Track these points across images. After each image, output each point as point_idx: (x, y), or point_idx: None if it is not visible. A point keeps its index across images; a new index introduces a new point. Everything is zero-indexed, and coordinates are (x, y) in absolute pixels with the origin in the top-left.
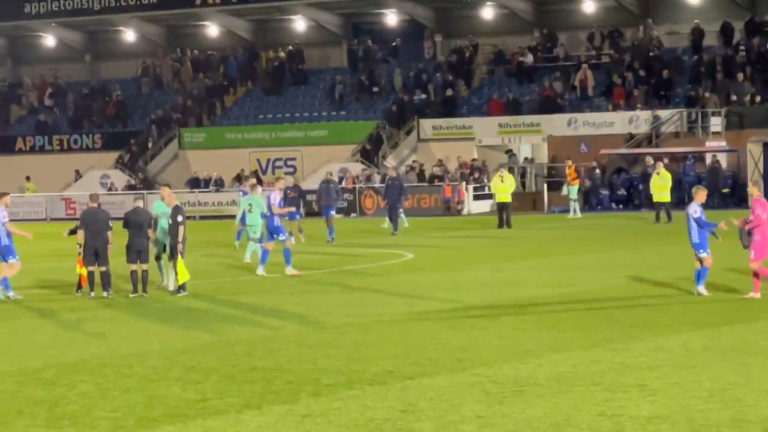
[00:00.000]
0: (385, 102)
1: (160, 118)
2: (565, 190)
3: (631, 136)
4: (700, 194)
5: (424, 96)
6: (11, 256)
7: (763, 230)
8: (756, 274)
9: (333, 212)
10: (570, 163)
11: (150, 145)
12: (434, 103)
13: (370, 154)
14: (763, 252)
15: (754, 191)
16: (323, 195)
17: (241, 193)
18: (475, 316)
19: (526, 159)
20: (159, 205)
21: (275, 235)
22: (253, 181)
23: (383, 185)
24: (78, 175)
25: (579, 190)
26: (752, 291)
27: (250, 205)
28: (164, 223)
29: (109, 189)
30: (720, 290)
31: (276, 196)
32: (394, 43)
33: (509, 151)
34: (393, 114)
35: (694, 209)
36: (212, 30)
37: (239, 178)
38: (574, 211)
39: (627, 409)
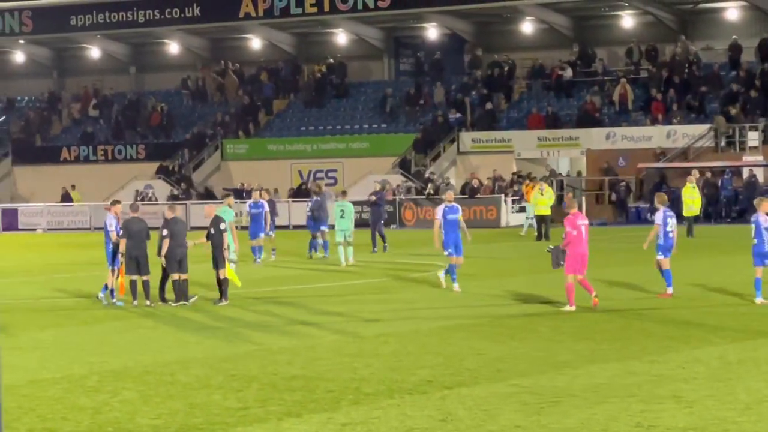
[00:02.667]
0: (427, 115)
1: (203, 129)
2: (527, 210)
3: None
4: (764, 205)
5: (459, 115)
6: (112, 264)
7: (573, 245)
8: (570, 289)
9: (325, 228)
10: (528, 181)
11: (192, 155)
12: (472, 118)
13: (410, 165)
14: (574, 265)
15: (571, 207)
16: (316, 209)
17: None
18: (513, 327)
19: (552, 173)
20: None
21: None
22: (343, 187)
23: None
24: (70, 188)
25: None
26: (567, 304)
27: (342, 210)
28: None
29: (149, 198)
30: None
31: (440, 211)
32: (436, 56)
33: (527, 175)
34: (420, 139)
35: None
36: (255, 43)
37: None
38: (527, 227)
39: (663, 420)
